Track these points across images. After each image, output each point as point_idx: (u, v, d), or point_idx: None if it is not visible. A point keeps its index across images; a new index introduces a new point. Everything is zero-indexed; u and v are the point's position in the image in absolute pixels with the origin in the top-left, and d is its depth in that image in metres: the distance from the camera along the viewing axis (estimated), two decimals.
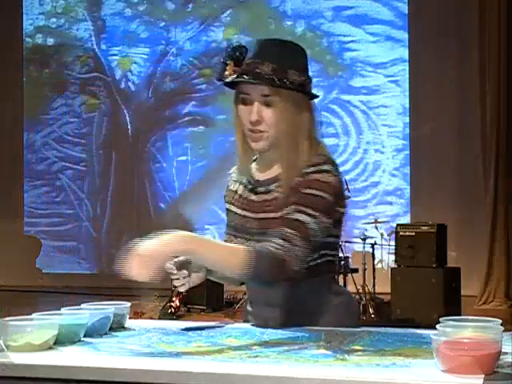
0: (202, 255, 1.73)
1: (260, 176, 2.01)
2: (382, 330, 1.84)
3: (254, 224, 1.96)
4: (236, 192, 2.07)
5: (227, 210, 2.09)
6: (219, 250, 1.76)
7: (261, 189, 1.99)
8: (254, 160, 2.05)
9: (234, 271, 1.77)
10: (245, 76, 1.88)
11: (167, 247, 1.66)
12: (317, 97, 1.99)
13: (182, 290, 1.95)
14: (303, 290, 1.91)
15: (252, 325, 1.97)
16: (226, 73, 1.92)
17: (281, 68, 1.88)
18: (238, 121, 1.97)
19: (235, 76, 1.90)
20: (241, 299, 7.10)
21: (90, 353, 1.59)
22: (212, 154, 9.34)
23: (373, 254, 7.19)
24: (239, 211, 2.02)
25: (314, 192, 1.87)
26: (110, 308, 1.85)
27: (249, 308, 2.07)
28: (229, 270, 1.78)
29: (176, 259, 1.88)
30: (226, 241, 2.02)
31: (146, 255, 1.63)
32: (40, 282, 9.62)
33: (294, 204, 1.85)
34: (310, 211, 1.85)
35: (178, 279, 1.91)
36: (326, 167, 1.90)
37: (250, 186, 2.02)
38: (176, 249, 1.69)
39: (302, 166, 1.90)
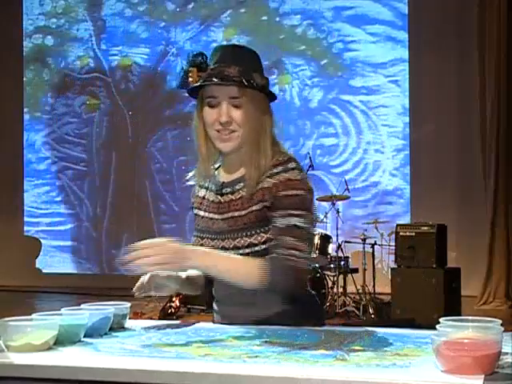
0: (218, 271, 1.85)
1: (225, 178, 2.07)
2: (382, 330, 1.84)
3: (220, 225, 2.02)
4: (203, 197, 2.13)
5: (195, 215, 2.15)
6: (235, 263, 1.87)
7: (227, 189, 2.05)
8: (218, 167, 2.11)
9: (250, 282, 1.86)
10: (214, 79, 1.94)
11: (185, 259, 1.76)
12: (275, 98, 2.05)
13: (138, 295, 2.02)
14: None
15: (219, 323, 2.03)
16: (190, 79, 1.98)
17: (246, 70, 1.95)
18: (200, 125, 2.03)
19: (202, 80, 1.96)
20: None
21: (90, 353, 1.59)
22: None
23: (373, 254, 7.19)
24: (206, 214, 2.08)
25: (293, 192, 1.92)
26: (110, 308, 1.85)
27: (215, 307, 2.11)
28: (245, 281, 1.87)
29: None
30: (193, 244, 2.08)
31: (170, 249, 1.74)
32: (40, 282, 9.61)
33: (280, 209, 1.91)
34: (298, 212, 1.91)
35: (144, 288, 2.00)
36: (291, 165, 1.95)
37: (215, 189, 2.08)
38: (193, 263, 1.80)
39: (267, 165, 1.96)
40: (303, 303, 2.02)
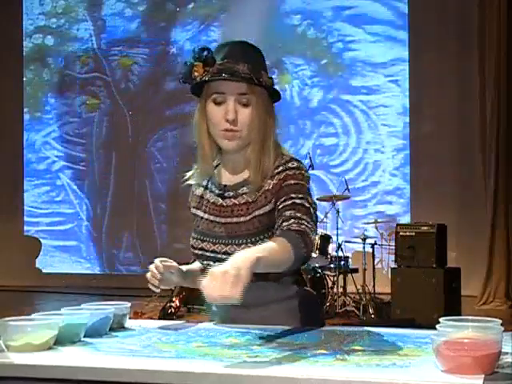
0: (266, 267, 1.67)
1: (227, 180, 2.02)
2: (382, 330, 1.84)
3: (222, 229, 1.97)
4: (202, 197, 2.07)
5: (194, 214, 2.09)
6: (274, 255, 1.70)
7: (229, 193, 2.00)
8: (217, 166, 2.05)
9: (288, 265, 1.75)
10: (224, 74, 1.89)
11: (246, 268, 1.57)
12: (279, 99, 2.01)
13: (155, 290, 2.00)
14: (270, 290, 1.94)
15: (216, 325, 1.99)
16: (196, 73, 1.92)
17: (255, 68, 1.92)
18: (203, 122, 1.97)
19: (210, 75, 1.91)
20: None
21: (90, 353, 1.59)
22: None
23: (373, 254, 7.19)
24: (206, 216, 2.03)
25: (294, 181, 1.90)
26: (110, 308, 1.86)
27: (214, 309, 2.07)
28: (285, 266, 1.75)
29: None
30: (192, 246, 2.04)
31: (236, 275, 1.53)
32: (40, 282, 9.61)
33: (283, 196, 1.88)
34: (301, 195, 1.88)
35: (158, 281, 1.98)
36: (291, 164, 1.93)
37: (217, 191, 2.03)
38: (249, 269, 1.58)
39: (269, 168, 1.93)
40: (303, 303, 1.99)
